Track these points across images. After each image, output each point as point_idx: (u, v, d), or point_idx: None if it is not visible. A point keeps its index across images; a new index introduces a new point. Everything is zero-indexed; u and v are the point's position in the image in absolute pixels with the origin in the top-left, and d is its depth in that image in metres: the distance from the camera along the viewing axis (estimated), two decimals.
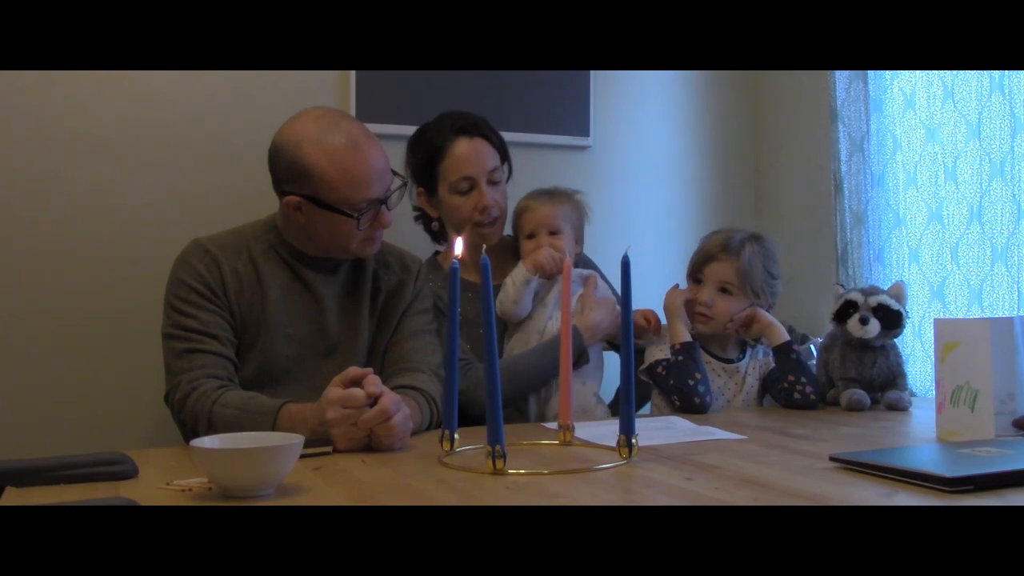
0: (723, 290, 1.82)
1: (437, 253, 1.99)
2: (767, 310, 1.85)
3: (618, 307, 1.84)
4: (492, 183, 1.87)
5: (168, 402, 1.48)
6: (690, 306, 1.84)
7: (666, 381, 1.76)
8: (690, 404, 1.72)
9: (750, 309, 1.82)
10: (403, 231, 1.93)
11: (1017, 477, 1.06)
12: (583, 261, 1.99)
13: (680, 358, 1.76)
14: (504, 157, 1.91)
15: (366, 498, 1.06)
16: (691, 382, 1.73)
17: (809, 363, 1.83)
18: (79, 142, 1.92)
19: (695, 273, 1.86)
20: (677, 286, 1.89)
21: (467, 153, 1.84)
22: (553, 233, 1.84)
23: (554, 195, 1.89)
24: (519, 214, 1.89)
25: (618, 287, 1.26)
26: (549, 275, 1.82)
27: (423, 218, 1.99)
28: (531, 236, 1.85)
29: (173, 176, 1.99)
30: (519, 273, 1.81)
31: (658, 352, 1.81)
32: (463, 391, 1.61)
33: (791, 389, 1.77)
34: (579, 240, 1.91)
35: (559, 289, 1.78)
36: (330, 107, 1.61)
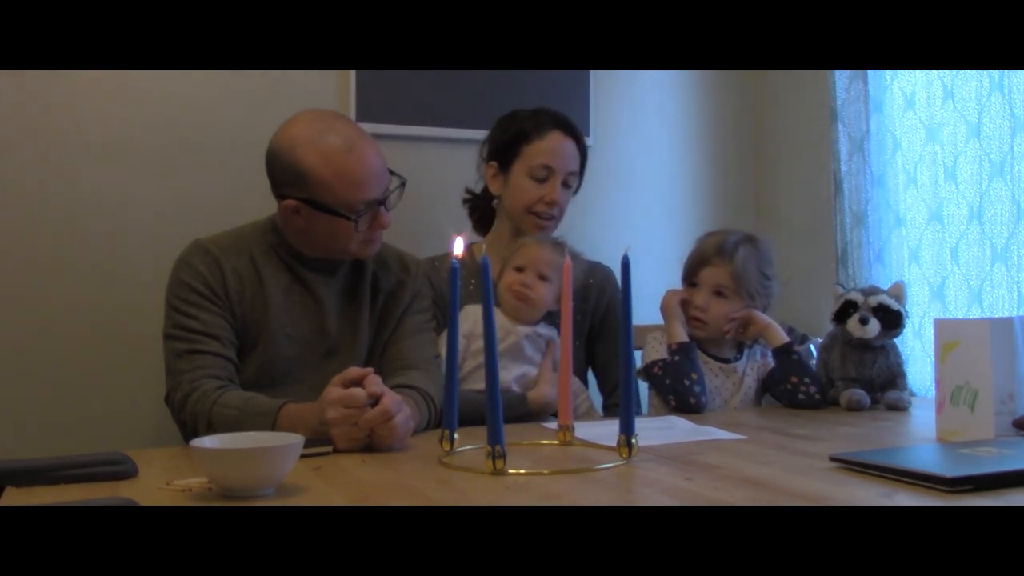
0: (718, 293, 1.82)
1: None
2: (763, 310, 1.84)
3: (573, 381, 1.82)
4: (565, 186, 1.88)
5: (168, 402, 1.48)
6: (686, 309, 1.84)
7: (662, 381, 1.76)
8: (686, 404, 1.73)
9: (744, 312, 1.81)
10: (405, 231, 1.92)
11: (1017, 477, 1.06)
12: (614, 290, 1.96)
13: (677, 358, 1.76)
14: (582, 171, 1.93)
15: (366, 498, 1.06)
16: (687, 382, 1.73)
17: (809, 363, 1.83)
18: (79, 143, 1.92)
19: (690, 276, 1.86)
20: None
21: (558, 146, 1.86)
22: (542, 278, 1.77)
23: (559, 246, 1.83)
24: (517, 247, 1.83)
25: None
26: (521, 318, 1.77)
27: (474, 200, 2.00)
28: (519, 270, 1.78)
29: (173, 177, 1.99)
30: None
31: (655, 353, 1.81)
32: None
33: (795, 390, 1.77)
34: (574, 297, 1.84)
35: (515, 344, 1.75)
36: (325, 109, 1.61)
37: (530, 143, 1.85)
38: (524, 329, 1.76)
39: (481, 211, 2.00)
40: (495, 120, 1.94)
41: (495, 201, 1.95)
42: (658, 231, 2.43)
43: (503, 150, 1.89)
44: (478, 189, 1.99)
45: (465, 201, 2.02)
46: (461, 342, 1.71)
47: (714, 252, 1.82)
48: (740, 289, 1.80)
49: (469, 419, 1.47)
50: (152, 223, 1.96)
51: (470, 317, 1.76)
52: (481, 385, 1.70)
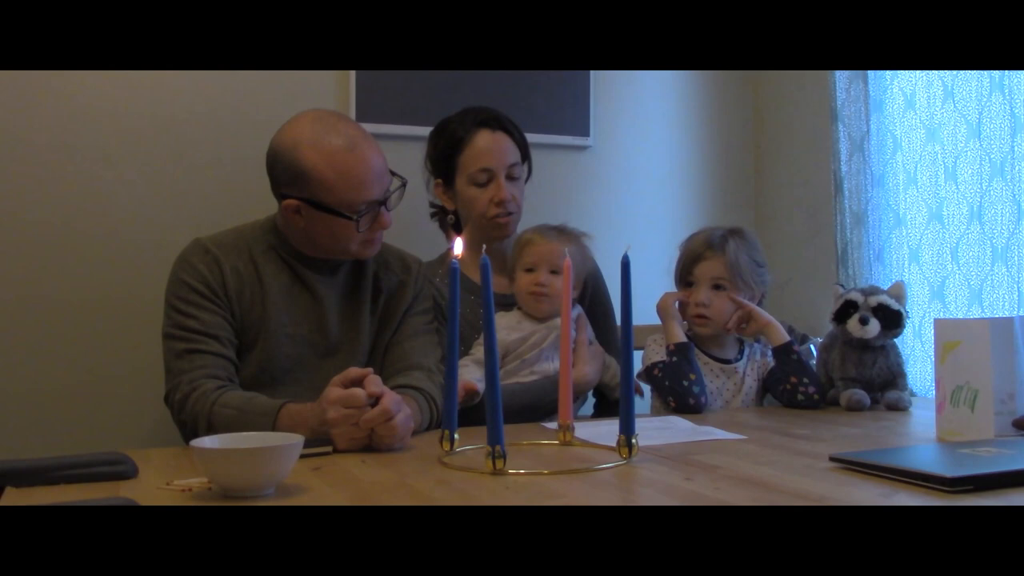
0: (717, 287, 1.82)
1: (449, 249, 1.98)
2: (759, 300, 1.85)
3: (605, 356, 1.85)
4: (511, 178, 1.85)
5: (168, 402, 1.48)
6: (685, 310, 1.84)
7: (662, 382, 1.76)
8: (685, 405, 1.73)
9: (746, 307, 1.81)
10: (405, 231, 1.92)
11: (1017, 477, 1.06)
12: (593, 274, 1.96)
13: (675, 359, 1.76)
14: (525, 156, 1.91)
15: (366, 498, 1.06)
16: (686, 383, 1.73)
17: (809, 363, 1.83)
18: (79, 142, 1.92)
19: (685, 276, 1.86)
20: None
21: (488, 145, 1.83)
22: (554, 272, 1.77)
23: (562, 233, 1.83)
24: (522, 246, 1.82)
25: (618, 287, 1.25)
26: (545, 316, 1.78)
27: (439, 213, 1.99)
28: (530, 270, 1.79)
29: (173, 176, 1.99)
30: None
31: (655, 355, 1.81)
32: None
33: (794, 390, 1.77)
34: (577, 286, 1.86)
35: (556, 336, 1.75)
36: (327, 109, 1.61)
37: (462, 152, 1.84)
38: (557, 321, 1.76)
39: (447, 216, 1.98)
40: (429, 135, 1.92)
41: (450, 217, 1.94)
42: (658, 231, 2.43)
43: (442, 167, 1.88)
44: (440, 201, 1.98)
45: (433, 215, 2.01)
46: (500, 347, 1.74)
47: (705, 247, 1.83)
48: (737, 278, 1.81)
49: (508, 409, 1.51)
50: (152, 222, 1.96)
51: (501, 328, 1.75)
52: (521, 378, 1.76)
